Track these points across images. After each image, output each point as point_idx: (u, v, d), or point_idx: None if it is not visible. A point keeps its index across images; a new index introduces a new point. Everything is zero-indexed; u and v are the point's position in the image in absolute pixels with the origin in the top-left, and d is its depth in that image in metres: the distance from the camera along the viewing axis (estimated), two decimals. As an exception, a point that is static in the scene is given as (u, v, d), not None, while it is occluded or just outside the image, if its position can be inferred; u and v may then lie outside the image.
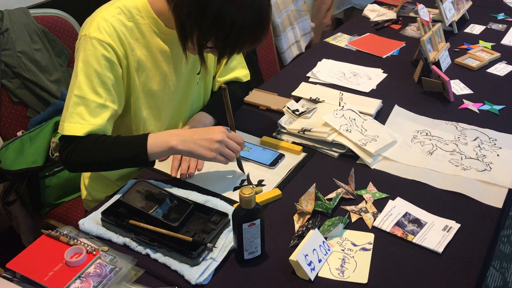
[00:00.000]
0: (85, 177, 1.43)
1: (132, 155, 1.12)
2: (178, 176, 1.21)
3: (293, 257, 0.92)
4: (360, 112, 1.38)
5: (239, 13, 1.01)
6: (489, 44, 1.89)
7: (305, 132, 1.30)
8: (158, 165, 1.25)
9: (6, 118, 1.58)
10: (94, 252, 0.97)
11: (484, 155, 1.26)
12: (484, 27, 2.06)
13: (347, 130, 1.29)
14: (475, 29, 2.05)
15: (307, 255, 0.94)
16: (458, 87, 1.60)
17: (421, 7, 1.70)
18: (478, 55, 1.79)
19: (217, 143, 1.10)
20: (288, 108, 1.40)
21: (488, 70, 1.72)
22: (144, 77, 1.21)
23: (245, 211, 0.91)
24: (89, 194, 1.42)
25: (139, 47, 1.18)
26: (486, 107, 1.49)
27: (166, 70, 1.24)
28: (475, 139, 1.33)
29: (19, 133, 1.60)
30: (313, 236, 0.96)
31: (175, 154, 1.20)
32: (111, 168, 1.20)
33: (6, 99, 1.57)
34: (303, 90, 1.57)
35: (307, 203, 1.07)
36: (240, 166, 1.21)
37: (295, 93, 1.55)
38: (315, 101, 1.48)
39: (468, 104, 1.50)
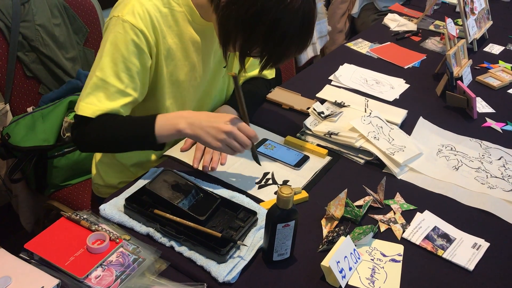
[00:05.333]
0: (98, 161, 1.38)
1: (140, 135, 1.07)
2: (200, 168, 1.17)
3: (325, 262, 0.89)
4: (387, 121, 1.36)
5: (291, 23, 0.96)
6: (508, 65, 1.89)
7: (332, 136, 1.27)
8: (180, 155, 1.21)
9: (18, 93, 1.52)
10: (117, 240, 0.93)
11: (509, 175, 1.25)
12: (503, 47, 2.06)
13: (374, 137, 1.26)
14: (494, 49, 2.05)
15: (338, 262, 0.91)
16: (480, 105, 1.59)
17: (449, 21, 1.69)
18: (499, 75, 1.78)
19: (224, 134, 1.03)
20: (314, 109, 1.37)
21: (509, 91, 1.71)
22: (172, 66, 1.17)
23: (282, 211, 0.88)
24: (101, 178, 1.37)
25: (171, 35, 1.14)
26: (509, 127, 1.48)
27: (195, 61, 1.20)
28: (500, 159, 1.32)
29: (30, 109, 1.54)
30: (345, 243, 0.94)
31: (184, 137, 1.15)
32: (121, 149, 1.17)
33: (19, 73, 1.51)
34: (327, 92, 1.54)
35: (336, 209, 1.05)
36: (256, 159, 1.15)
37: (319, 95, 1.52)
38: (340, 105, 1.46)
39: (491, 123, 1.50)
